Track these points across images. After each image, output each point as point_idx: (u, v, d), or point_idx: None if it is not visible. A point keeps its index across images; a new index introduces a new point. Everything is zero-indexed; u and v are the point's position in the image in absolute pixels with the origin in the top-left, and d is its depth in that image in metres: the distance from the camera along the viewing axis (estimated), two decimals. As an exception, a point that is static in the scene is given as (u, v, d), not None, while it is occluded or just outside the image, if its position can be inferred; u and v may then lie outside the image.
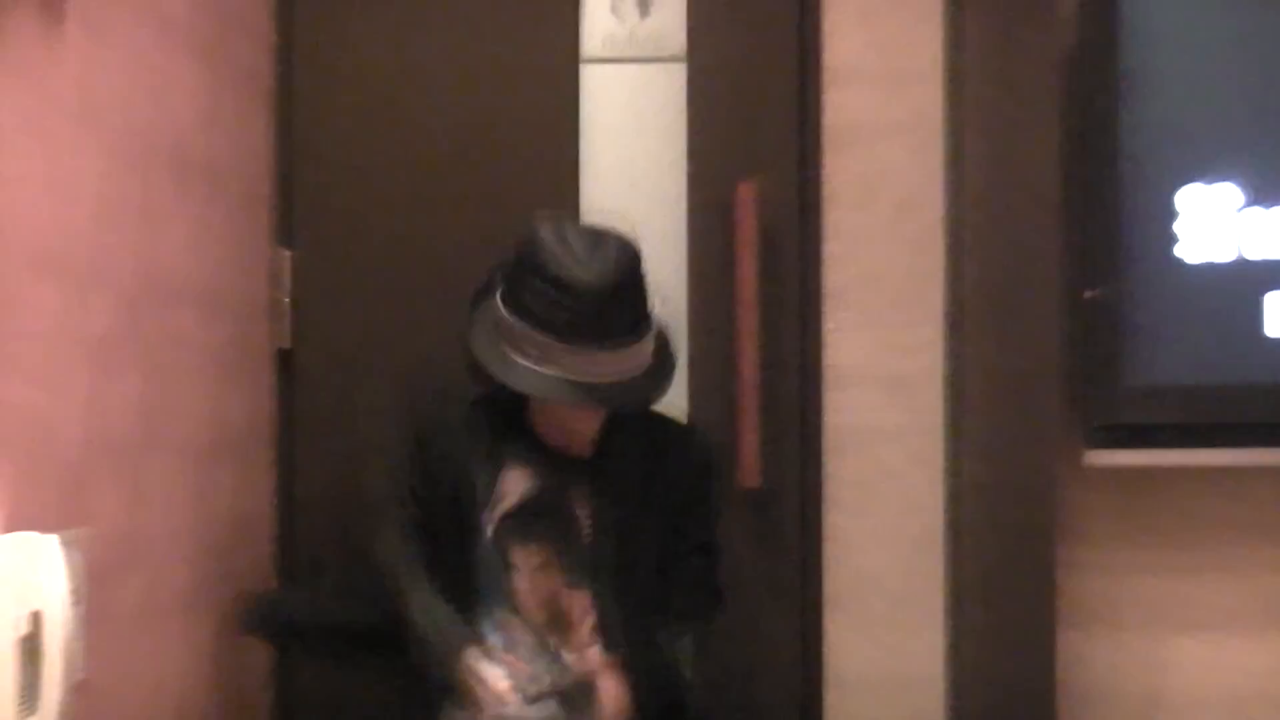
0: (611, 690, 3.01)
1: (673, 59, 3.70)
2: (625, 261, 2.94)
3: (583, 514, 3.08)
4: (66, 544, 2.30)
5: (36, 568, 2.18)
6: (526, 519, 3.08)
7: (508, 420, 3.08)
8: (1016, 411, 3.40)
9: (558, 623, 3.07)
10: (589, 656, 3.04)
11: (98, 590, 2.56)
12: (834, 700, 3.57)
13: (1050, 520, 3.40)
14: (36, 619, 2.18)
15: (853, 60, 3.58)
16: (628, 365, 2.94)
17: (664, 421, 3.17)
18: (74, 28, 2.50)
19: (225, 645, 3.26)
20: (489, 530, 3.06)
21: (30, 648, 2.17)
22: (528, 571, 3.07)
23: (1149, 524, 3.59)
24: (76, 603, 2.32)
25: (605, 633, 3.06)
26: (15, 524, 2.23)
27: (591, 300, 2.89)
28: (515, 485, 3.08)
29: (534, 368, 2.91)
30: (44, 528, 2.28)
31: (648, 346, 2.98)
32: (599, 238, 2.95)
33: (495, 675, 2.98)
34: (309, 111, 3.69)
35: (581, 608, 3.07)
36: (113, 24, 2.68)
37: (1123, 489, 3.58)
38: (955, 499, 3.50)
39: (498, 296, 2.97)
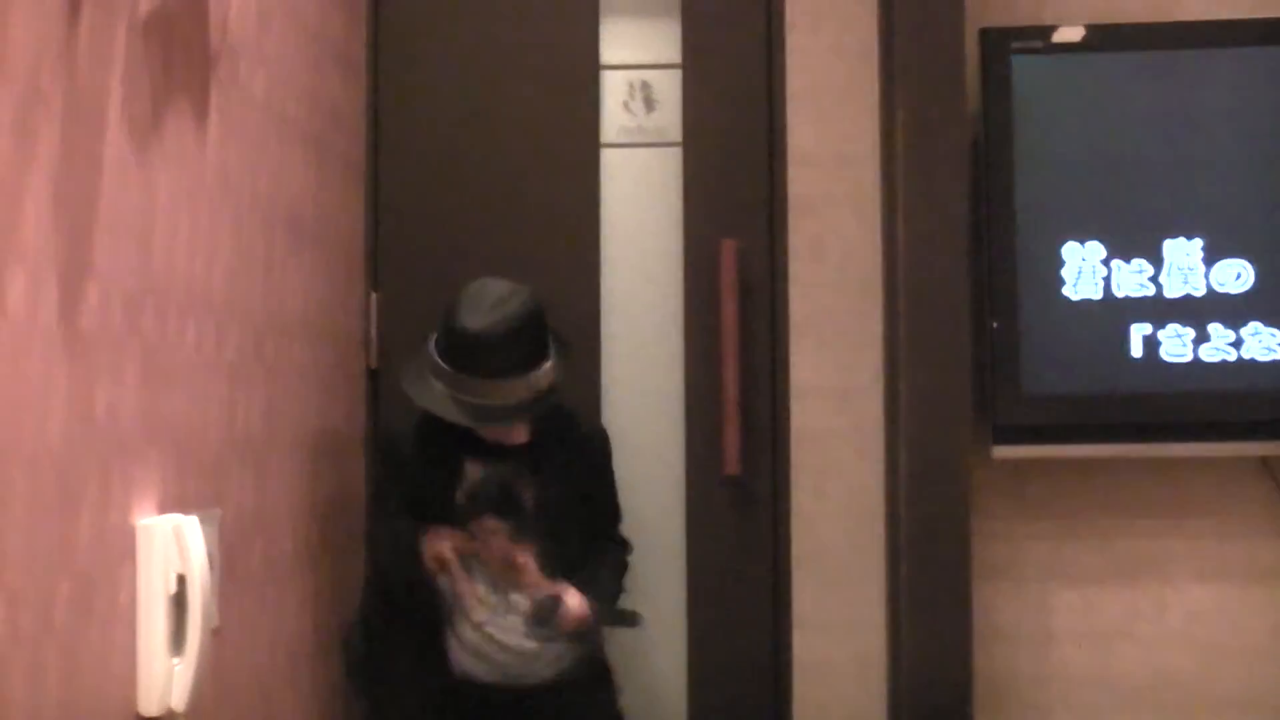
0: (574, 598, 3.07)
1: (672, 144, 3.70)
2: (513, 319, 2.99)
3: (526, 493, 3.11)
4: (204, 521, 2.30)
5: (181, 541, 2.18)
6: (483, 498, 3.11)
7: (462, 432, 3.09)
8: (937, 416, 3.37)
9: (509, 574, 3.09)
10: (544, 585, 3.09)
11: (229, 556, 2.57)
12: (799, 640, 3.55)
13: (965, 500, 3.36)
14: (181, 580, 2.18)
15: (809, 146, 3.58)
16: (505, 394, 2.99)
17: (577, 422, 3.25)
18: (214, 125, 2.52)
19: (327, 595, 3.26)
20: (457, 507, 3.10)
21: (176, 603, 2.18)
22: (483, 537, 3.09)
23: (1041, 502, 3.58)
24: (211, 567, 2.32)
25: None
26: (166, 507, 2.25)
27: (472, 342, 2.97)
28: (474, 474, 3.12)
29: (435, 389, 3.01)
30: (188, 509, 2.29)
31: (526, 385, 3.00)
32: (504, 300, 3.02)
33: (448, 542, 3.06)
34: (392, 188, 3.69)
35: (528, 560, 3.09)
36: (243, 122, 2.70)
37: (1021, 475, 3.57)
38: (891, 484, 3.50)
39: (432, 338, 3.08)
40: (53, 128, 1.88)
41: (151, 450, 2.22)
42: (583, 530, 3.19)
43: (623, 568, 3.29)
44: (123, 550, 2.11)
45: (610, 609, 3.19)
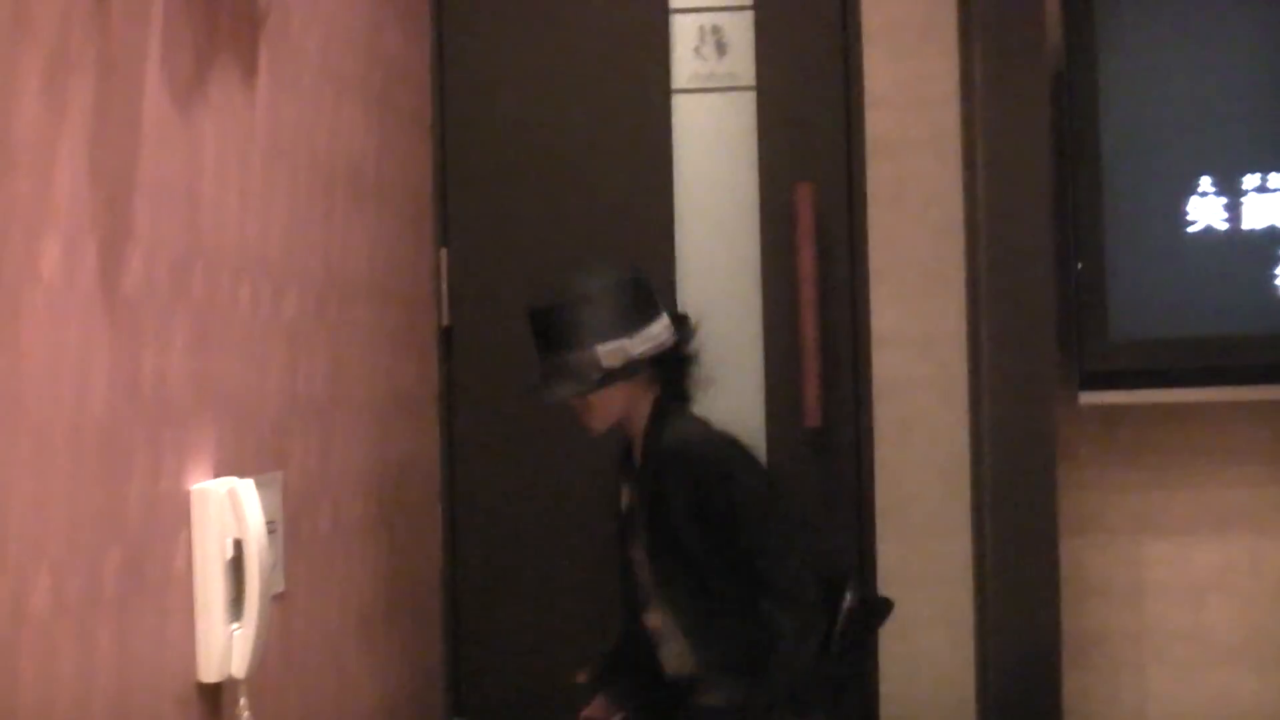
0: None
1: (745, 89, 3.65)
2: (574, 289, 2.89)
3: (640, 518, 2.99)
4: (264, 485, 2.29)
5: (237, 505, 2.17)
6: (620, 524, 3.07)
7: (628, 450, 3.04)
8: (1022, 362, 3.31)
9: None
10: None
11: (294, 519, 2.56)
12: (884, 595, 3.50)
13: (1051, 449, 3.31)
14: (238, 545, 2.17)
15: (887, 88, 3.51)
16: (563, 369, 2.89)
17: (671, 431, 2.92)
18: (265, 83, 2.49)
19: (400, 558, 3.25)
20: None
21: (234, 568, 2.17)
22: (634, 565, 3.03)
23: (1130, 450, 3.51)
24: (271, 531, 2.31)
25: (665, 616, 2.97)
26: (222, 471, 2.24)
27: (532, 313, 2.93)
28: (623, 497, 3.07)
29: None
30: (246, 473, 2.28)
31: (585, 360, 2.86)
32: (586, 274, 2.94)
33: None
34: (459, 141, 3.67)
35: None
36: (297, 80, 2.67)
37: (1109, 422, 3.49)
38: (976, 433, 3.43)
39: None
40: (85, 90, 1.86)
41: (205, 414, 2.21)
42: (713, 564, 2.89)
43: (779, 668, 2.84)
44: (176, 516, 2.11)
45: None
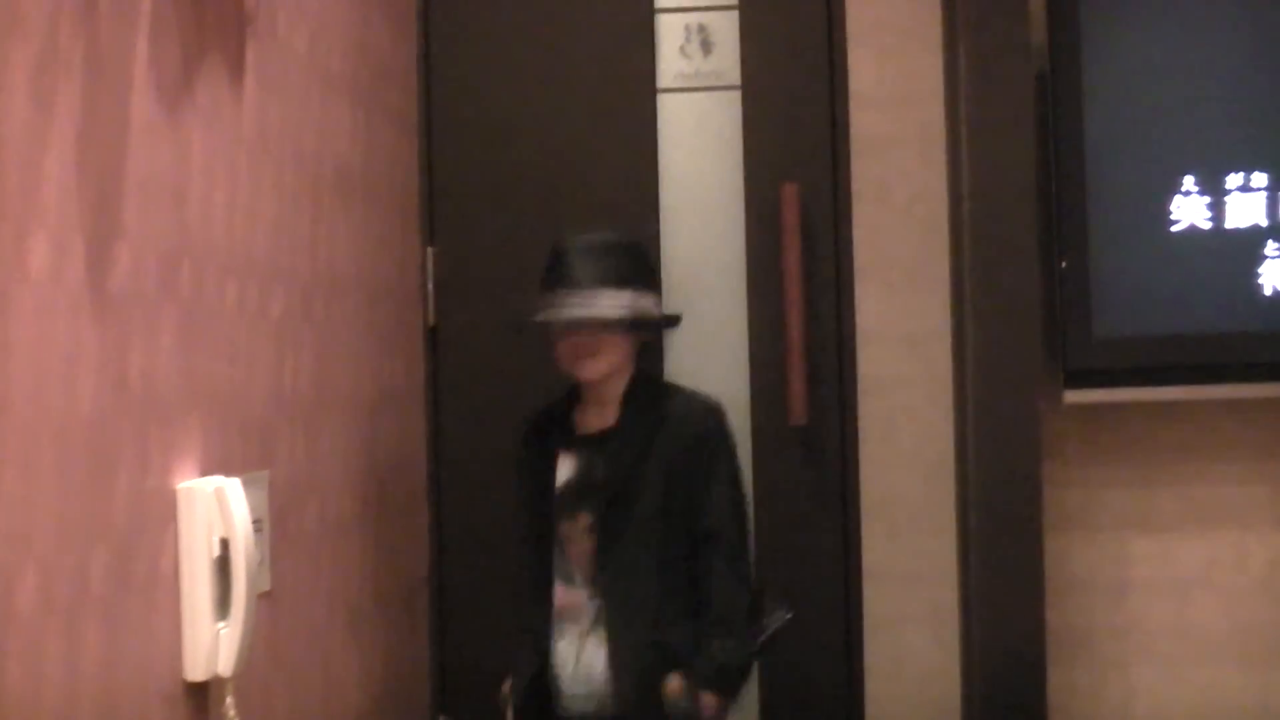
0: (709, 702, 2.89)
1: (730, 88, 3.64)
2: (604, 238, 2.98)
3: (603, 477, 2.97)
4: (248, 483, 2.28)
5: (223, 503, 2.17)
6: (570, 493, 2.99)
7: (560, 421, 3.03)
8: (1007, 360, 3.32)
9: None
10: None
11: (281, 517, 2.56)
12: (869, 592, 3.52)
13: (1036, 446, 3.31)
14: (225, 544, 2.17)
15: (872, 87, 3.52)
16: (588, 308, 2.90)
17: (678, 394, 3.05)
18: (252, 82, 2.49)
19: (387, 556, 3.25)
20: (555, 507, 2.99)
21: (221, 567, 2.16)
22: (576, 537, 2.97)
23: (1115, 447, 3.52)
24: (258, 530, 2.31)
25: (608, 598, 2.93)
26: (208, 469, 2.23)
27: (560, 252, 2.95)
28: (564, 469, 3.00)
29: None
30: (232, 471, 2.28)
31: (613, 303, 2.91)
32: (603, 231, 3.04)
33: None
34: (446, 140, 3.67)
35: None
36: (284, 78, 2.67)
37: (1093, 420, 3.50)
38: (961, 431, 3.44)
39: None
40: (73, 88, 1.86)
41: (192, 413, 2.21)
42: (677, 526, 2.93)
43: (734, 610, 2.93)
44: (163, 515, 2.10)
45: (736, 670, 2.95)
